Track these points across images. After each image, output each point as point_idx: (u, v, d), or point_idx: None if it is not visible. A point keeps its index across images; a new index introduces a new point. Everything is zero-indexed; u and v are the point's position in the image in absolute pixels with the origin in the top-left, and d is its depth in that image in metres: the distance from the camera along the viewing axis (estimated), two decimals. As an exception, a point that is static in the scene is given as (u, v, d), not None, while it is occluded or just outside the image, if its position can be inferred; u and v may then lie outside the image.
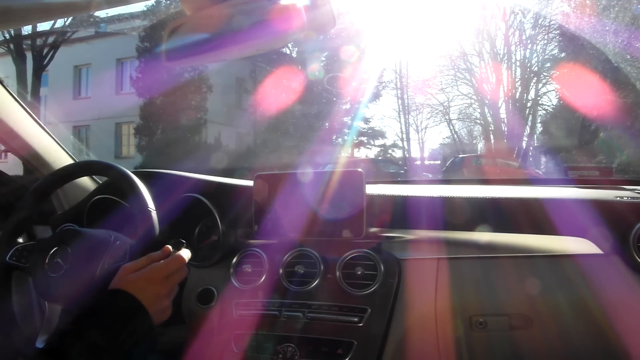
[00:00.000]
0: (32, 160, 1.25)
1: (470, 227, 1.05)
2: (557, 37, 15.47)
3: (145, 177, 1.04)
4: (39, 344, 0.89)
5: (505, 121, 18.86)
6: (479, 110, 20.42)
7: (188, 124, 13.94)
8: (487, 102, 19.29)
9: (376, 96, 18.87)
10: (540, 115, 18.47)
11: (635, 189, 1.12)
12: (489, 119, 19.77)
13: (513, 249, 0.97)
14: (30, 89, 14.03)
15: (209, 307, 1.07)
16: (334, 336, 0.94)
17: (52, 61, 14.69)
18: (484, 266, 0.96)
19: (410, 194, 1.15)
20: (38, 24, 11.68)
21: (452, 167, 13.39)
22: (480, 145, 21.00)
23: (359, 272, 0.98)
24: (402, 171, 15.32)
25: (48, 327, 0.93)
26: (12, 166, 1.17)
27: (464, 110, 20.75)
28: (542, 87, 18.58)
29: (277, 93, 14.67)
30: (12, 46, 13.84)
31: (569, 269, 0.92)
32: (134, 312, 0.74)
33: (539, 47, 18.21)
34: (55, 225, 1.24)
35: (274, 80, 14.70)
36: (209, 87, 14.78)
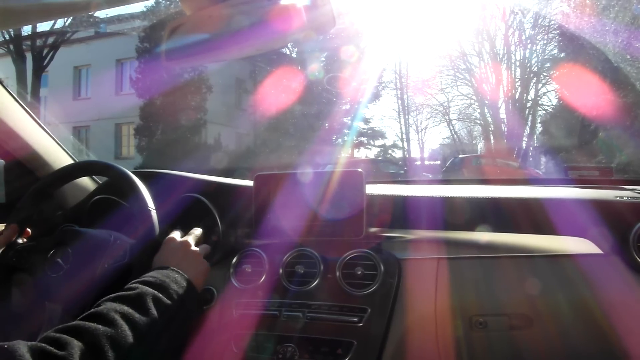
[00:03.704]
0: (32, 160, 1.25)
1: (470, 227, 1.05)
2: (557, 37, 15.49)
3: (145, 177, 1.04)
4: None
5: (505, 121, 18.90)
6: (478, 110, 20.45)
7: (188, 125, 13.95)
8: (486, 102, 19.31)
9: (376, 96, 18.90)
10: (540, 115, 18.50)
11: (635, 189, 1.11)
12: (489, 119, 19.79)
13: (513, 249, 0.97)
14: (30, 90, 14.03)
15: (209, 307, 1.07)
16: (333, 336, 0.94)
17: (52, 62, 14.69)
18: (484, 266, 0.96)
19: (410, 194, 1.15)
20: (38, 24, 11.70)
21: (452, 167, 13.40)
22: (480, 146, 21.04)
23: (359, 272, 0.98)
24: (402, 171, 15.33)
25: (49, 327, 0.93)
26: (12, 166, 1.17)
27: (463, 111, 20.80)
28: (542, 87, 18.62)
29: (276, 93, 14.68)
30: (12, 47, 13.84)
31: (569, 269, 0.92)
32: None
33: (538, 47, 18.26)
34: (55, 226, 1.25)
35: (274, 81, 14.70)
36: (209, 87, 14.79)
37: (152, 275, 0.80)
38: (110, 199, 1.23)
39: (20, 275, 0.94)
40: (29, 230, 1.00)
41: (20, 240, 0.99)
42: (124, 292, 0.73)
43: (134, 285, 0.76)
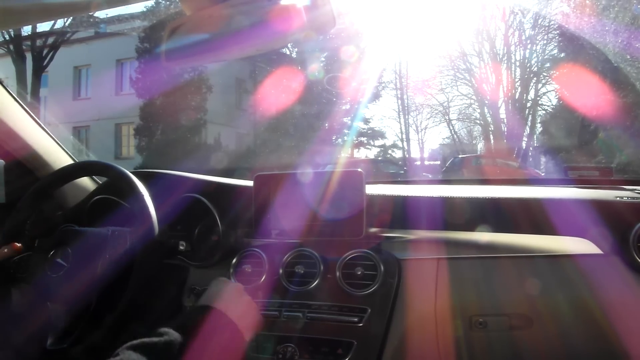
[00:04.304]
0: (32, 160, 1.25)
1: (470, 227, 1.05)
2: (557, 37, 15.49)
3: (144, 178, 1.04)
4: (50, 346, 0.89)
5: (505, 121, 18.89)
6: (478, 110, 20.45)
7: (188, 125, 13.95)
8: (486, 102, 19.31)
9: (376, 96, 18.90)
10: (539, 115, 18.50)
11: (635, 189, 1.11)
12: (489, 119, 19.78)
13: (513, 249, 0.97)
14: (30, 90, 14.03)
15: (209, 307, 1.07)
16: (334, 336, 0.94)
17: (52, 62, 14.69)
18: (484, 266, 0.96)
19: (410, 194, 1.15)
20: (38, 25, 11.69)
21: (452, 168, 13.40)
22: (480, 146, 21.02)
23: (359, 272, 0.98)
24: (402, 171, 15.33)
25: (50, 328, 0.93)
26: (12, 166, 1.18)
27: (463, 111, 20.79)
28: (542, 87, 18.62)
29: (277, 93, 14.68)
30: (12, 47, 13.84)
31: (569, 269, 0.92)
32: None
33: (538, 47, 18.25)
34: (55, 225, 1.25)
35: (274, 81, 14.71)
36: (209, 87, 14.79)
37: (190, 316, 0.67)
38: (110, 199, 1.23)
39: (20, 276, 0.94)
40: (20, 245, 0.97)
41: (19, 245, 0.98)
42: (149, 340, 0.62)
43: (163, 330, 0.64)
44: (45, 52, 14.49)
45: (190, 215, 1.17)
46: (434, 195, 1.13)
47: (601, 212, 0.99)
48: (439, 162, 18.07)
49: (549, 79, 17.84)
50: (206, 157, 12.49)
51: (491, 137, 19.59)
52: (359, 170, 1.05)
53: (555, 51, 16.72)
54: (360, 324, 0.94)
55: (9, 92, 1.15)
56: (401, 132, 20.21)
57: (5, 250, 0.94)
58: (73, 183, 1.26)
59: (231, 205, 1.17)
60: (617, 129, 9.95)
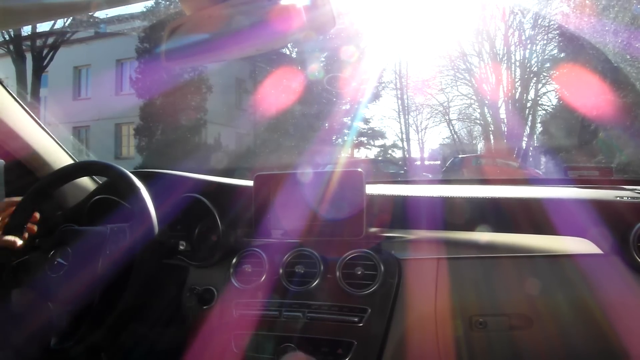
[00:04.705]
0: (32, 160, 1.25)
1: (470, 227, 1.05)
2: (557, 37, 15.48)
3: (144, 177, 1.04)
4: (54, 345, 0.89)
5: (505, 121, 18.87)
6: (478, 110, 20.43)
7: (188, 125, 13.94)
8: (486, 102, 19.30)
9: (376, 96, 18.87)
10: (540, 115, 18.48)
11: (635, 189, 1.11)
12: (489, 119, 19.77)
13: (513, 249, 0.97)
14: (30, 90, 14.03)
15: (209, 307, 1.07)
16: (334, 336, 0.94)
17: (52, 62, 14.69)
18: (484, 266, 0.96)
19: (410, 194, 1.15)
20: (38, 25, 11.69)
21: (452, 168, 13.40)
22: (480, 146, 20.99)
23: (359, 272, 0.98)
24: (402, 171, 15.33)
25: (49, 328, 0.93)
26: (12, 166, 1.18)
27: (463, 111, 20.76)
28: (542, 87, 18.59)
29: (276, 93, 14.68)
30: (12, 47, 13.84)
31: (569, 269, 0.92)
32: None
33: (538, 47, 18.23)
34: (55, 225, 1.25)
35: (274, 81, 14.70)
36: (209, 87, 14.78)
37: None
38: (110, 199, 1.23)
39: (20, 276, 0.95)
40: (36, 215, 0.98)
41: (20, 242, 0.98)
42: None
43: None
44: (45, 52, 14.48)
45: (190, 215, 1.17)
46: (434, 195, 1.13)
47: (601, 212, 0.99)
48: (439, 162, 18.05)
49: (549, 79, 17.83)
50: (206, 157, 12.49)
51: (491, 137, 19.58)
52: (359, 170, 1.05)
53: (555, 51, 16.70)
54: (361, 324, 0.94)
55: (9, 92, 1.15)
56: (401, 132, 20.19)
57: (10, 238, 0.94)
58: (73, 183, 1.26)
59: (231, 205, 1.17)
60: (617, 129, 9.95)
